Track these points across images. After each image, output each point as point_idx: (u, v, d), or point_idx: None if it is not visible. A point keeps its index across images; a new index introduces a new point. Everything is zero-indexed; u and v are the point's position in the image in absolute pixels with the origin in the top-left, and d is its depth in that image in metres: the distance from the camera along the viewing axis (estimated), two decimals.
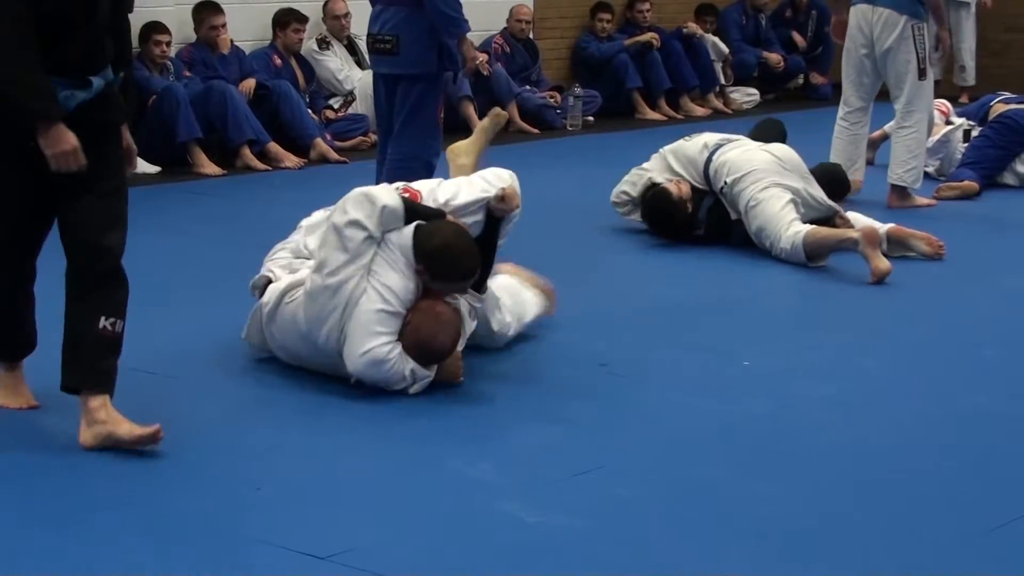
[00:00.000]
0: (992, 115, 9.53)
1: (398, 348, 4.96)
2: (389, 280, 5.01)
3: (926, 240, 7.33)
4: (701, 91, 13.40)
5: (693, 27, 13.52)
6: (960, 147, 9.55)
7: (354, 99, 11.00)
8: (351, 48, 11.19)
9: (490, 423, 4.86)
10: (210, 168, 9.58)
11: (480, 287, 5.21)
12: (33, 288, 4.68)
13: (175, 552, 3.78)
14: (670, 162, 7.60)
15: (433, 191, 5.38)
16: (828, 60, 14.36)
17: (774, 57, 14.16)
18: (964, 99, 13.32)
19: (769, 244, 7.19)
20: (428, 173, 6.92)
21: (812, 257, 7.03)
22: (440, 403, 5.00)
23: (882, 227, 7.35)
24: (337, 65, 11.11)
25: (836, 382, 5.34)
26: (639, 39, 13.02)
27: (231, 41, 10.49)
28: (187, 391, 5.10)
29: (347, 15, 11.06)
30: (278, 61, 10.60)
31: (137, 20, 9.89)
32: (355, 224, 5.03)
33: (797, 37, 14.57)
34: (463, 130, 11.45)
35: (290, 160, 9.98)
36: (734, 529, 4.00)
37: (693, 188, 7.47)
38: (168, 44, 10.01)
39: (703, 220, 7.46)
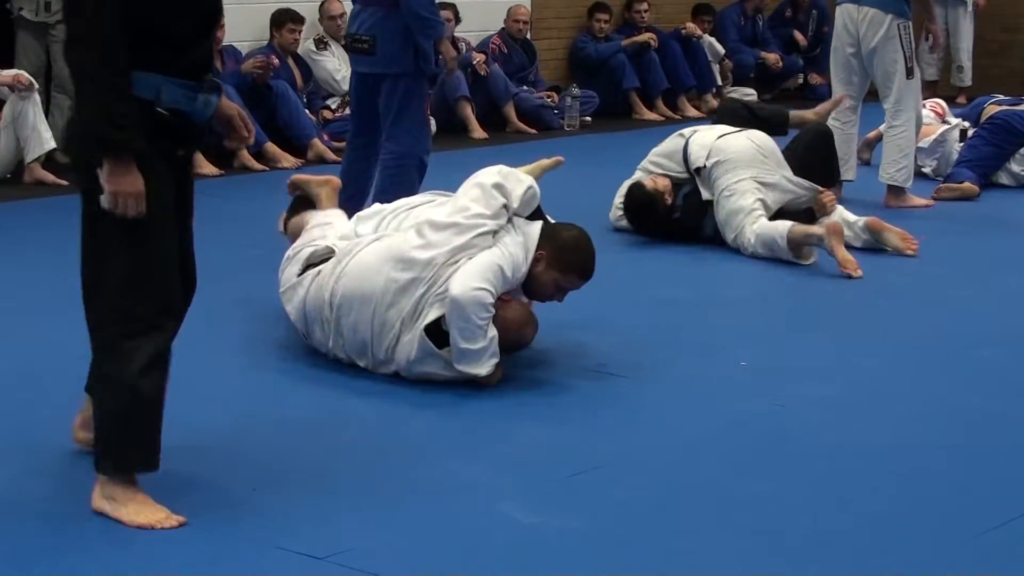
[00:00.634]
0: (985, 116, 9.57)
1: (493, 312, 5.02)
2: (515, 252, 5.11)
3: (900, 236, 7.41)
4: (698, 91, 13.41)
5: (692, 28, 13.53)
6: (956, 147, 9.57)
7: None
8: None
9: (488, 423, 4.85)
10: (207, 168, 9.58)
11: None
12: None
13: (172, 552, 3.78)
14: (649, 166, 7.78)
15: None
16: (827, 60, 14.34)
17: (772, 57, 14.18)
18: (961, 100, 13.33)
19: (733, 236, 7.29)
20: (421, 171, 7.01)
21: (794, 251, 7.10)
22: (438, 404, 5.00)
23: (860, 219, 7.46)
24: (335, 65, 11.11)
25: (834, 382, 5.34)
26: (637, 39, 13.03)
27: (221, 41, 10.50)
28: (184, 391, 5.09)
29: (343, 15, 11.06)
30: (276, 61, 10.60)
31: None
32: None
33: (798, 35, 14.58)
34: (461, 130, 11.53)
35: (287, 160, 9.98)
36: (732, 529, 3.99)
37: (673, 182, 7.62)
38: None
39: (680, 206, 7.57)
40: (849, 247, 7.16)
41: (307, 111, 10.54)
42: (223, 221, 8.11)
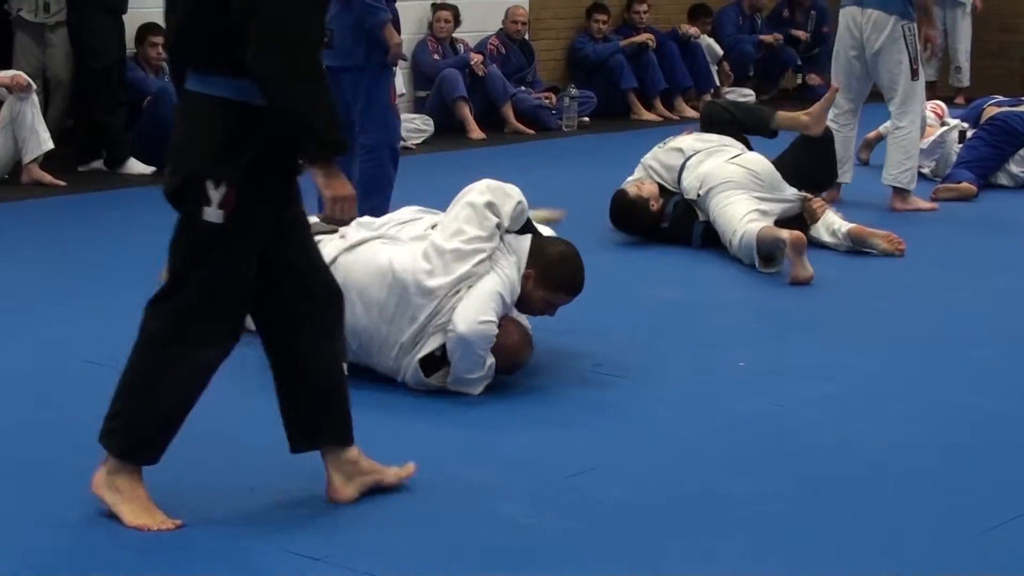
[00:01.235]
0: (984, 118, 9.56)
1: (495, 341, 5.02)
2: (510, 274, 5.10)
3: (886, 238, 7.40)
4: (696, 92, 13.41)
5: (694, 30, 13.51)
6: (955, 148, 9.57)
7: None
8: None
9: (486, 425, 4.85)
10: None
11: None
12: None
13: (172, 553, 3.78)
14: (648, 170, 7.76)
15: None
16: (826, 60, 14.36)
17: (769, 38, 14.16)
18: (960, 100, 13.33)
19: (727, 241, 7.25)
20: (394, 159, 7.16)
21: (761, 256, 7.05)
22: (436, 405, 5.00)
23: (843, 226, 7.43)
24: None
25: (832, 382, 5.34)
26: (634, 40, 13.03)
27: None
28: None
29: None
30: None
31: (133, 22, 9.90)
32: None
33: (800, 33, 14.55)
34: (459, 130, 11.53)
35: None
36: (731, 529, 3.99)
37: (662, 189, 7.62)
38: (164, 46, 10.00)
39: (669, 214, 7.56)
40: (835, 252, 7.14)
41: None
42: None
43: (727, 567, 3.78)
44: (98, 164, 9.72)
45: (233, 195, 3.74)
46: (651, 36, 13.09)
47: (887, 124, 9.56)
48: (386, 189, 7.11)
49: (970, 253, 7.66)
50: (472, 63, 11.79)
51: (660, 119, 12.77)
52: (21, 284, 6.62)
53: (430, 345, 5.03)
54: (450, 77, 11.59)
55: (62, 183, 9.08)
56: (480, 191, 5.16)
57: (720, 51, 13.77)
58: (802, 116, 7.99)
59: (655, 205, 7.57)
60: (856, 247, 7.42)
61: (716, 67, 13.71)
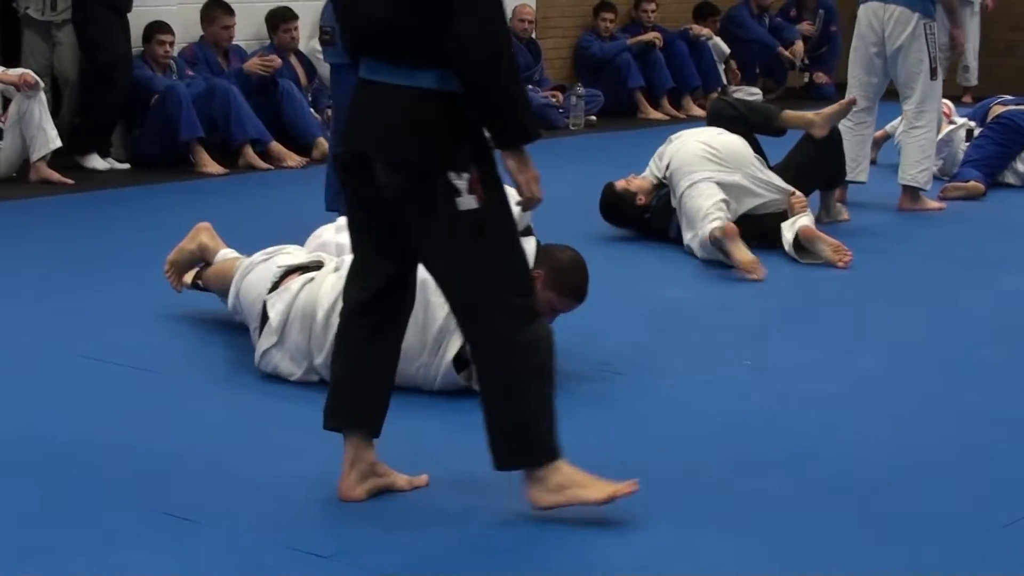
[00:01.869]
0: (991, 116, 9.55)
1: None
2: None
3: (833, 247, 7.15)
4: (704, 91, 13.40)
5: (706, 31, 13.48)
6: (963, 147, 9.55)
7: None
8: None
9: None
10: (212, 167, 9.60)
11: None
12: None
13: (175, 551, 3.79)
14: (649, 167, 7.78)
15: None
16: (833, 59, 14.36)
17: (797, 49, 14.10)
18: (967, 99, 13.31)
19: (691, 236, 7.25)
20: None
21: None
22: (439, 402, 5.00)
23: (800, 223, 7.27)
24: None
25: (834, 381, 5.35)
26: (642, 39, 13.03)
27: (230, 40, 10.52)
28: (186, 390, 5.11)
29: None
30: (278, 61, 10.61)
31: (140, 20, 9.91)
32: None
33: (807, 25, 14.49)
34: None
35: (292, 159, 9.99)
36: (732, 529, 4.00)
37: (657, 183, 7.65)
38: (171, 44, 10.03)
39: (653, 206, 7.61)
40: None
41: (312, 110, 10.54)
42: (228, 220, 8.12)
43: (729, 566, 3.78)
44: (94, 158, 9.70)
45: (477, 178, 3.84)
46: (658, 35, 13.09)
47: (894, 123, 9.56)
48: None
49: (977, 252, 7.66)
50: None
51: (667, 118, 12.76)
52: (28, 281, 6.63)
53: (454, 346, 5.02)
54: None
55: (70, 181, 9.10)
56: None
57: (727, 50, 13.75)
58: (810, 115, 7.98)
59: (642, 199, 7.61)
60: (803, 247, 7.16)
61: (723, 66, 13.69)
